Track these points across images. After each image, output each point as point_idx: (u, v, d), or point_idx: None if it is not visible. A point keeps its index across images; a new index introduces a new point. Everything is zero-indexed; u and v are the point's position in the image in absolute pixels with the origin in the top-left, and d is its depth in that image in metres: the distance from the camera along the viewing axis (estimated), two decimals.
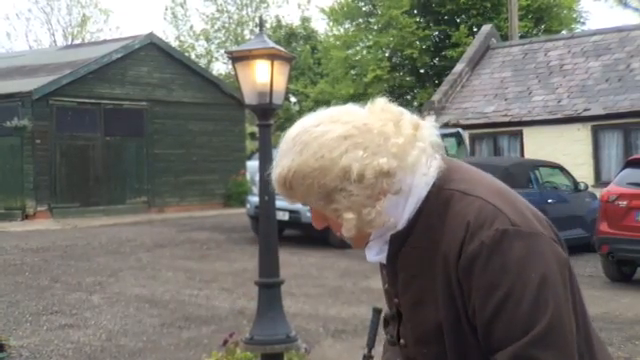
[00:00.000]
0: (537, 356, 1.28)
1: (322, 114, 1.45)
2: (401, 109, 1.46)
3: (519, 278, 1.31)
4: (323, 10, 26.42)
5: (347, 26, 25.67)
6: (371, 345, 1.82)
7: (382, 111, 1.43)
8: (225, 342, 4.78)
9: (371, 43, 24.31)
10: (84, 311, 7.18)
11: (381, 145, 1.37)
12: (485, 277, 1.32)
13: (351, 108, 1.46)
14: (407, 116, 1.44)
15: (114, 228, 13.60)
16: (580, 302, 1.42)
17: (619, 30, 15.14)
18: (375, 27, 24.66)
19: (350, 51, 25.13)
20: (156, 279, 8.81)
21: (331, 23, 26.40)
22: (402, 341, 1.53)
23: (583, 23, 25.72)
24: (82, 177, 15.71)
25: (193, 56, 31.61)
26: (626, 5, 33.27)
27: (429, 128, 1.45)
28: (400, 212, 1.41)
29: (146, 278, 8.87)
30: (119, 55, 16.39)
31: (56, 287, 8.32)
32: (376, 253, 1.50)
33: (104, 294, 7.95)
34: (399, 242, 1.45)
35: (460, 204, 1.38)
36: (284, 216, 11.05)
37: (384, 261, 1.50)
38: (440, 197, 1.41)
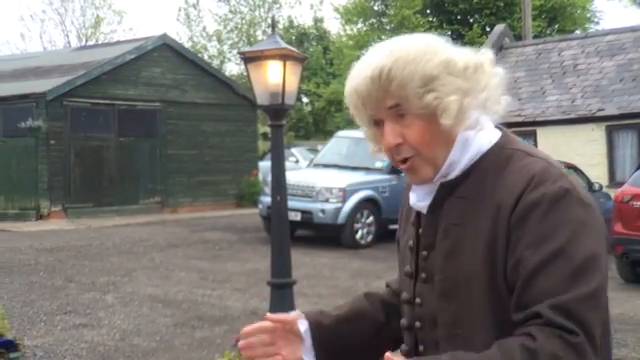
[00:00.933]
0: (582, 312, 1.25)
1: None
2: None
3: (575, 237, 1.29)
4: (337, 9, 26.42)
5: (359, 26, 25.66)
6: None
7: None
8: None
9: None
10: (98, 311, 7.22)
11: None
12: (540, 227, 1.30)
13: None
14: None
15: (127, 228, 13.67)
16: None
17: (633, 30, 15.02)
18: (387, 27, 24.63)
19: (363, 51, 25.11)
20: (169, 279, 8.85)
21: (344, 22, 26.39)
22: (418, 300, 1.49)
23: (597, 23, 25.58)
24: (96, 177, 15.79)
25: (206, 57, 31.71)
26: None
27: (498, 75, 1.47)
28: (457, 158, 1.42)
29: (159, 278, 8.90)
30: (132, 56, 16.46)
31: (70, 287, 8.37)
32: (418, 199, 1.49)
33: (118, 294, 7.99)
34: (447, 191, 1.43)
35: (524, 161, 1.38)
36: (296, 216, 11.06)
37: (424, 210, 1.48)
38: (501, 154, 1.41)
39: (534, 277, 1.28)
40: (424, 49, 1.40)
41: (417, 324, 1.49)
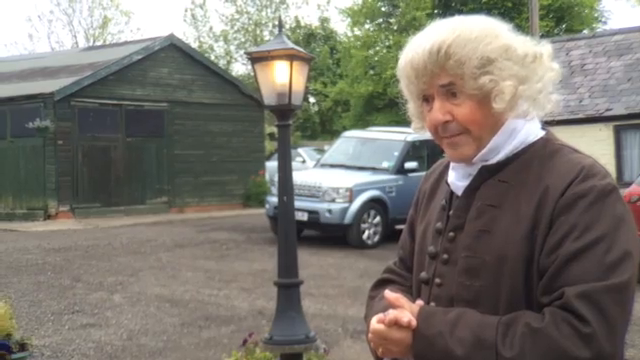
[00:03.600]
0: (605, 303, 1.26)
1: None
2: None
3: (614, 232, 1.31)
4: (343, 10, 26.40)
5: (367, 26, 25.64)
6: None
7: None
8: (245, 342, 4.80)
9: (391, 43, 24.27)
10: (105, 310, 7.24)
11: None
12: (584, 217, 1.32)
13: None
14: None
15: (135, 228, 13.71)
16: None
17: None
18: (395, 27, 24.61)
19: (370, 51, 25.11)
20: (176, 279, 8.86)
21: (351, 23, 26.38)
22: (437, 280, 1.48)
23: (604, 22, 25.50)
24: (103, 178, 15.84)
25: (212, 57, 31.75)
26: None
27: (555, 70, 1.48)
28: (502, 143, 1.43)
29: (166, 278, 8.92)
30: (140, 56, 16.50)
31: (78, 287, 8.40)
32: (457, 178, 1.50)
33: (125, 294, 8.01)
34: (487, 174, 1.45)
35: (572, 155, 1.41)
36: (303, 216, 11.06)
37: (460, 192, 1.49)
38: (548, 147, 1.44)
39: (568, 263, 1.30)
40: (486, 31, 1.41)
41: (432, 304, 1.48)
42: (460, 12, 23.26)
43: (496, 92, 1.39)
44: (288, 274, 4.40)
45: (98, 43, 34.21)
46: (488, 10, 22.57)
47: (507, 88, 1.38)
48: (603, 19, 25.57)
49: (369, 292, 1.71)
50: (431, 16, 22.75)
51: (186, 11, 39.74)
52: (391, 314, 1.38)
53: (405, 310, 1.40)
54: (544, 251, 1.33)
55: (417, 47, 1.41)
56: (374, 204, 11.73)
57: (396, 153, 12.34)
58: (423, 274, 1.53)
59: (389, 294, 1.45)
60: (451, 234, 1.47)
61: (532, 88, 1.41)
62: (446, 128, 1.42)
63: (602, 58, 14.76)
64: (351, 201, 11.45)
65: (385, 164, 12.32)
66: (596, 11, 25.22)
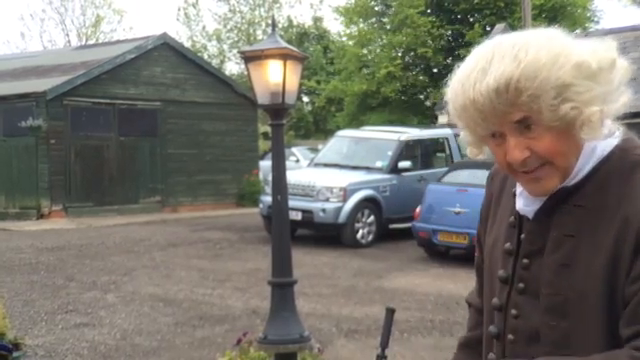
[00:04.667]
0: None
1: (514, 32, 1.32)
2: None
3: None
4: (337, 9, 26.41)
5: (360, 26, 25.66)
6: (384, 345, 1.81)
7: None
8: (239, 341, 4.80)
9: (385, 42, 24.30)
10: (99, 310, 7.23)
11: (596, 50, 1.27)
12: None
13: None
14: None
15: (128, 227, 13.68)
16: None
17: (634, 29, 15.03)
18: (388, 27, 24.64)
19: (364, 50, 25.14)
20: (170, 278, 8.86)
21: (344, 23, 26.39)
22: (513, 311, 1.37)
23: (597, 22, 25.56)
24: (96, 177, 15.80)
25: (206, 56, 31.69)
26: None
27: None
28: (583, 166, 1.29)
29: (160, 277, 8.91)
30: (133, 55, 16.45)
31: (71, 286, 8.38)
32: (526, 204, 1.36)
33: (119, 293, 8.00)
34: (561, 198, 1.30)
35: None
36: (297, 216, 11.06)
37: (530, 215, 1.35)
38: (626, 159, 1.28)
39: None
40: (554, 51, 1.23)
41: (510, 337, 1.38)
42: (452, 12, 23.31)
43: (582, 121, 1.23)
44: (282, 273, 4.41)
45: (91, 42, 34.08)
46: (480, 10, 22.62)
47: (594, 115, 1.22)
48: (595, 19, 25.66)
49: (467, 300, 1.67)
50: (424, 14, 22.80)
51: (179, 10, 39.62)
52: None
53: None
54: (628, 281, 1.23)
55: (476, 85, 1.23)
56: (368, 203, 11.75)
57: (390, 152, 12.35)
58: (495, 300, 1.42)
59: None
60: (525, 261, 1.35)
61: (617, 102, 1.26)
62: (525, 163, 1.27)
63: None
64: (345, 200, 11.46)
65: (379, 163, 12.34)
66: (588, 11, 25.29)
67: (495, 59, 1.23)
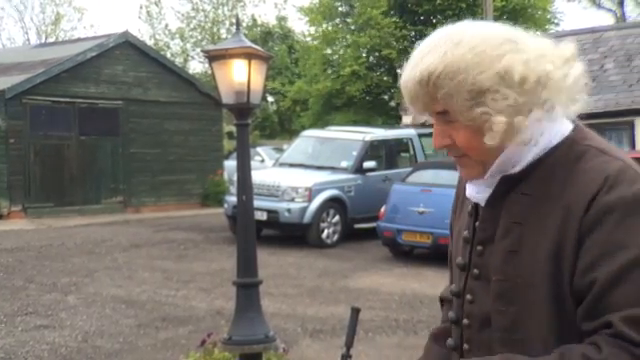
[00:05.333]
0: None
1: (471, 22, 1.35)
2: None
3: None
4: (301, 9, 26.41)
5: (325, 26, 25.70)
6: (349, 344, 1.82)
7: (530, 34, 1.35)
8: (203, 342, 4.77)
9: (349, 42, 24.37)
10: (59, 312, 7.11)
11: (543, 55, 1.29)
12: (617, 233, 1.21)
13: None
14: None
15: (89, 228, 13.48)
16: None
17: (593, 31, 15.35)
18: (353, 27, 24.72)
19: (328, 50, 25.18)
20: (132, 279, 8.75)
21: (309, 23, 26.40)
22: (468, 296, 1.40)
23: (557, 24, 26.02)
24: (56, 177, 15.53)
25: (169, 55, 31.39)
26: (600, 6, 33.74)
27: (579, 64, 1.33)
28: (524, 153, 1.31)
29: (122, 278, 8.80)
30: (94, 54, 16.21)
31: (31, 288, 8.22)
32: (477, 191, 1.40)
33: (80, 295, 7.88)
34: (509, 186, 1.34)
35: (597, 160, 1.27)
36: (262, 216, 11.03)
37: (482, 202, 1.39)
38: (573, 149, 1.30)
39: (609, 287, 1.21)
40: (483, 54, 1.26)
41: (465, 321, 1.41)
42: (415, 13, 23.49)
43: (487, 128, 1.28)
44: (247, 274, 4.39)
45: (50, 40, 33.50)
46: (442, 11, 22.85)
47: (498, 125, 1.26)
48: (556, 21, 26.11)
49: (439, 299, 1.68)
50: (387, 15, 22.93)
51: (141, 8, 39.20)
52: None
53: None
54: (577, 272, 1.24)
55: (409, 71, 1.31)
56: (333, 203, 11.77)
57: (355, 153, 12.40)
58: (454, 287, 1.47)
59: None
60: (479, 248, 1.39)
61: (538, 111, 1.28)
62: (450, 149, 1.35)
63: None
64: (310, 200, 11.47)
65: (344, 163, 12.37)
66: (549, 13, 25.73)
67: (432, 49, 1.29)
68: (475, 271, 1.39)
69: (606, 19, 36.60)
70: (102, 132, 16.34)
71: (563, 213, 1.26)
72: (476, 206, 1.43)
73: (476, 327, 1.39)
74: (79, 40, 21.24)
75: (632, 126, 12.40)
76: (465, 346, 1.42)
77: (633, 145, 12.22)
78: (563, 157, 1.30)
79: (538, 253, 1.28)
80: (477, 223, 1.41)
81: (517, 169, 1.33)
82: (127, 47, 16.88)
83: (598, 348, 1.20)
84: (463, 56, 1.26)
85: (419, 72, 1.29)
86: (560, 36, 16.18)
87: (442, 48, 1.28)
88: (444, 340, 1.54)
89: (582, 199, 1.24)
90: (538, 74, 1.26)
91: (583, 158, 1.29)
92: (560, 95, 1.29)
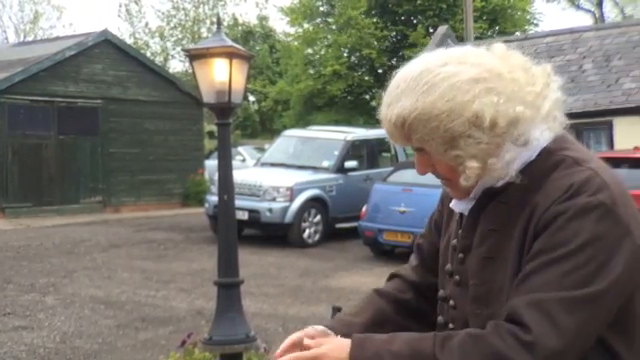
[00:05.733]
0: (556, 313, 1.19)
1: (445, 53, 1.36)
2: (523, 57, 1.39)
3: (583, 249, 1.22)
4: (282, 9, 26.39)
5: (306, 26, 25.70)
6: None
7: (507, 56, 1.37)
8: (183, 343, 4.74)
9: (330, 42, 24.39)
10: (38, 312, 7.04)
11: (515, 92, 1.30)
12: (557, 235, 1.24)
13: (474, 49, 1.38)
14: (533, 63, 1.38)
15: (68, 228, 13.35)
16: None
17: (572, 32, 15.49)
18: (334, 27, 24.74)
19: (310, 50, 25.18)
20: (112, 280, 8.68)
21: (290, 23, 26.38)
22: (451, 302, 1.46)
23: (536, 25, 26.24)
24: (35, 176, 15.36)
25: (149, 54, 31.16)
26: (578, 7, 34.09)
27: (556, 81, 1.38)
28: (515, 167, 1.33)
29: (101, 279, 8.72)
30: (73, 52, 16.06)
31: (9, 288, 8.13)
32: (464, 202, 1.43)
33: (58, 295, 7.80)
34: (491, 197, 1.37)
35: (569, 170, 1.30)
36: (243, 216, 11.00)
37: (466, 212, 1.43)
38: (549, 160, 1.33)
39: (530, 275, 1.25)
40: (452, 101, 1.27)
41: (450, 325, 1.46)
42: (396, 13, 23.57)
43: (461, 171, 1.32)
44: (228, 273, 4.37)
45: (29, 38, 33.14)
46: (423, 11, 22.93)
47: (471, 170, 1.31)
48: (535, 21, 26.33)
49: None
50: (368, 15, 22.97)
51: (120, 6, 38.89)
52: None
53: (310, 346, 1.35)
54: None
55: (385, 109, 1.34)
56: (314, 203, 11.77)
57: (336, 152, 12.41)
58: (441, 292, 1.51)
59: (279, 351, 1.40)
60: (460, 255, 1.43)
61: (509, 154, 1.31)
62: (433, 174, 1.41)
63: (534, 60, 15.21)
64: (292, 200, 11.46)
65: (325, 163, 12.38)
66: (528, 13, 25.93)
67: (405, 90, 1.32)
68: (457, 277, 1.44)
69: (585, 20, 37.01)
70: (81, 131, 16.19)
71: (529, 217, 1.30)
72: (461, 215, 1.47)
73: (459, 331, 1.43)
74: (58, 39, 21.03)
75: (610, 126, 12.54)
76: None
77: (611, 145, 12.35)
78: (540, 168, 1.33)
79: (509, 258, 1.32)
80: (460, 231, 1.46)
81: (502, 183, 1.36)
82: (106, 46, 16.74)
83: (489, 325, 1.25)
84: (434, 104, 1.28)
85: (394, 116, 1.32)
86: (539, 36, 16.34)
87: (413, 93, 1.30)
88: (387, 296, 1.61)
89: (544, 204, 1.28)
90: (509, 117, 1.29)
91: (558, 168, 1.32)
92: (534, 128, 1.32)
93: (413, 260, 1.67)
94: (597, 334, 1.26)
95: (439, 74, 1.30)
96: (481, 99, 1.28)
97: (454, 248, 1.47)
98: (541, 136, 1.34)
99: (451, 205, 1.48)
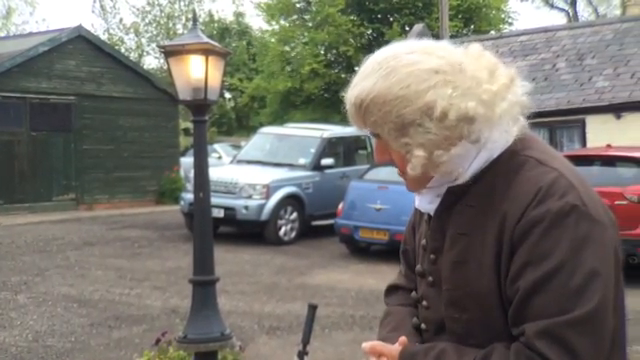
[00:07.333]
0: (569, 339, 1.21)
1: (416, 44, 1.36)
2: (496, 59, 1.39)
3: (575, 256, 1.24)
4: (258, 5, 26.28)
5: (282, 22, 25.64)
6: (306, 341, 1.82)
7: (478, 56, 1.37)
8: (157, 341, 4.70)
9: (307, 39, 24.36)
10: (9, 311, 6.95)
11: (472, 88, 1.31)
12: (540, 245, 1.25)
13: (447, 45, 1.38)
14: (502, 67, 1.38)
15: (40, 226, 13.17)
16: (621, 297, 1.36)
17: (545, 30, 15.65)
18: (310, 24, 24.72)
19: (286, 47, 25.12)
20: (85, 278, 8.59)
21: (266, 19, 26.30)
22: (424, 302, 1.46)
23: (511, 24, 26.46)
24: (6, 173, 15.14)
25: (123, 50, 30.88)
26: (552, 6, 34.48)
27: (522, 86, 1.38)
28: (467, 165, 1.34)
29: (74, 277, 8.63)
30: (46, 48, 15.85)
31: None
32: (428, 202, 1.44)
33: (30, 294, 7.70)
34: (455, 197, 1.38)
35: (534, 171, 1.31)
36: (219, 213, 10.95)
37: (432, 213, 1.43)
38: (513, 161, 1.34)
39: (529, 297, 1.25)
40: (407, 89, 1.29)
41: (423, 326, 1.47)
42: (372, 11, 23.63)
43: (408, 159, 1.34)
44: (204, 271, 4.34)
45: (1, 34, 32.65)
46: (399, 9, 23.01)
47: (416, 159, 1.32)
48: (510, 20, 26.55)
49: (384, 299, 1.69)
50: (345, 13, 22.99)
51: (94, 2, 38.46)
52: None
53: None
54: (507, 281, 1.29)
55: (350, 90, 1.35)
56: (291, 200, 11.76)
57: (312, 150, 12.41)
58: (414, 293, 1.53)
59: (365, 345, 1.46)
60: (432, 256, 1.43)
61: (457, 149, 1.31)
62: (391, 163, 1.41)
63: (508, 58, 15.33)
64: (268, 197, 11.43)
65: (302, 160, 12.37)
66: (503, 12, 26.14)
67: (369, 74, 1.33)
68: (430, 278, 1.44)
69: (559, 19, 37.44)
70: (54, 128, 15.99)
71: (500, 224, 1.30)
72: (430, 216, 1.47)
73: (432, 332, 1.45)
74: (31, 34, 20.75)
75: (583, 124, 12.69)
76: None
77: (584, 143, 12.51)
78: (504, 169, 1.34)
79: (483, 265, 1.32)
80: (428, 232, 1.45)
81: (461, 181, 1.36)
82: (80, 42, 16.55)
83: (510, 354, 1.26)
84: (390, 89, 1.30)
85: (354, 96, 1.34)
86: (514, 35, 16.48)
87: (375, 76, 1.32)
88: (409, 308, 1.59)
89: (516, 211, 1.28)
90: (460, 111, 1.29)
91: (522, 169, 1.32)
92: (490, 128, 1.32)
93: (402, 269, 1.67)
94: (613, 336, 1.29)
95: (401, 60, 1.32)
96: (436, 90, 1.29)
97: (424, 248, 1.47)
98: (500, 137, 1.34)
99: (416, 205, 1.48)
